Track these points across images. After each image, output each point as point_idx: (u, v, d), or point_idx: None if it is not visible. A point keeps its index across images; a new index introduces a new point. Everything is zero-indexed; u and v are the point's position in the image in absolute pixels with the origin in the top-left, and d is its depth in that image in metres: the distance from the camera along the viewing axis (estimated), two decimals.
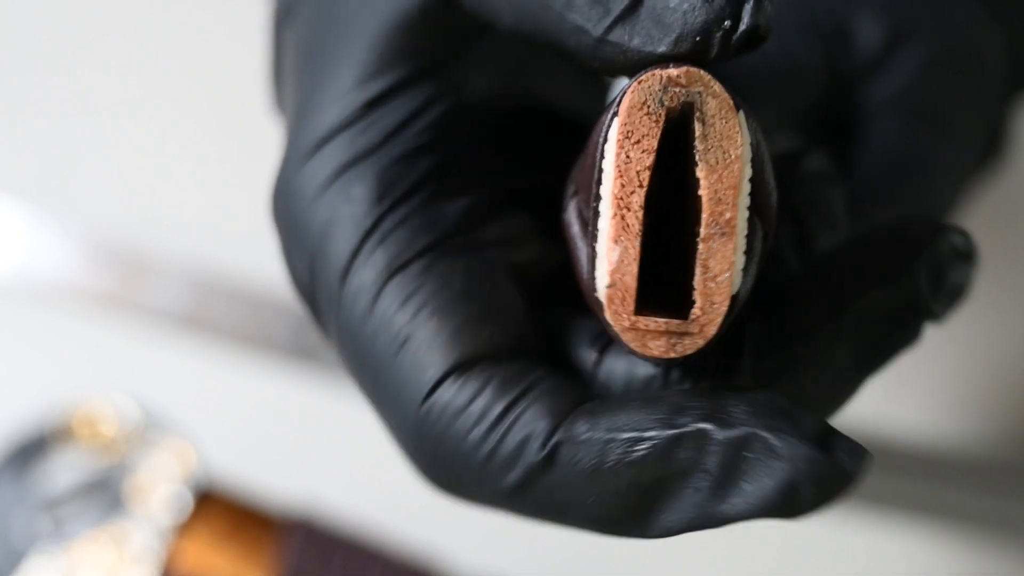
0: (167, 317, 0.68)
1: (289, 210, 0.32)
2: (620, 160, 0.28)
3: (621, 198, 0.28)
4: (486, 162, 0.32)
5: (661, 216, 0.29)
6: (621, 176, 0.28)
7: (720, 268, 0.28)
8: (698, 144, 0.28)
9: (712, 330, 0.28)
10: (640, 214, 0.28)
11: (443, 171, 0.31)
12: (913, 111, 0.35)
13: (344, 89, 0.31)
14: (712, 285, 0.28)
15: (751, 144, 0.28)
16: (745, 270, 0.29)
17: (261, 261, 0.69)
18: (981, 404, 0.67)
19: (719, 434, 0.27)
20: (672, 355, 0.28)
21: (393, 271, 0.30)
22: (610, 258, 0.28)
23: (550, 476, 0.28)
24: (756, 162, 0.28)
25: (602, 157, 0.28)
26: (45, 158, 0.71)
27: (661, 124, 0.28)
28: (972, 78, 0.35)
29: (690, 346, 0.28)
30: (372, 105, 0.31)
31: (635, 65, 0.28)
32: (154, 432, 0.53)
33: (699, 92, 0.27)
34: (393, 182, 0.31)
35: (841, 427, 0.30)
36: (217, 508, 0.51)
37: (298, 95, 0.33)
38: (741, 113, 0.28)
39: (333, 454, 0.66)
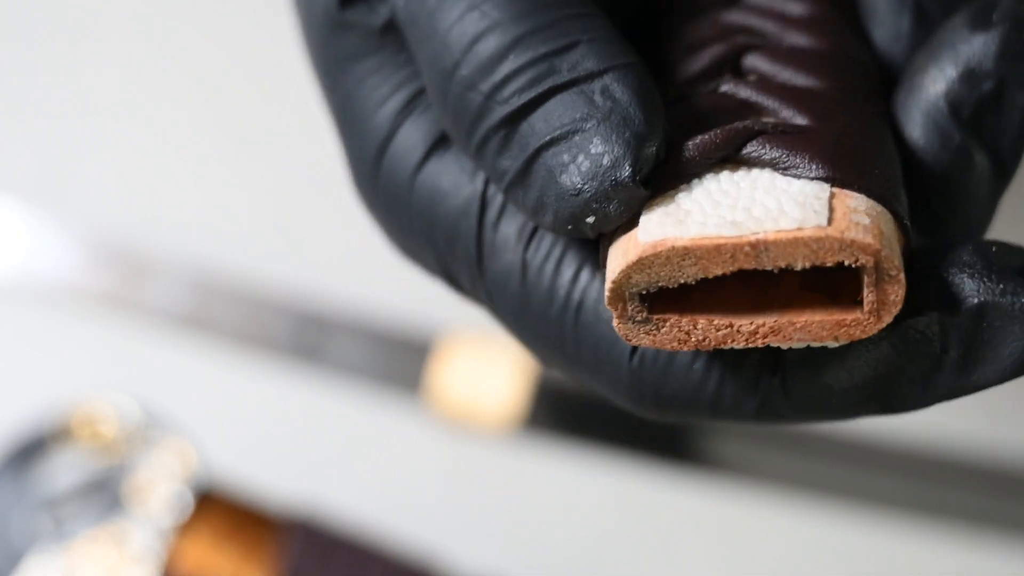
0: (167, 317, 0.68)
1: (396, 195, 0.32)
2: None
3: None
4: None
5: None
6: None
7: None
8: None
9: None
10: None
11: None
12: None
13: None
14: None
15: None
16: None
17: (261, 261, 0.69)
18: (981, 404, 0.67)
19: (955, 317, 0.27)
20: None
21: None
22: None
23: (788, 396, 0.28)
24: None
25: None
26: (45, 158, 0.71)
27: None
28: None
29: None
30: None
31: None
32: (154, 432, 0.53)
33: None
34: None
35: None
36: (217, 508, 0.51)
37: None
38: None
39: (333, 454, 0.66)
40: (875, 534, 0.65)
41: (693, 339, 0.27)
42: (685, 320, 0.27)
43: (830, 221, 0.26)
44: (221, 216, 0.70)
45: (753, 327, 0.27)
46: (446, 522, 0.65)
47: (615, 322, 0.27)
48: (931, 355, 0.28)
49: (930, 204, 0.29)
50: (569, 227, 0.27)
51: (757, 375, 0.28)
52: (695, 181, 0.27)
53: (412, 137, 0.31)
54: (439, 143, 0.30)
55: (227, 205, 0.70)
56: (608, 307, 0.27)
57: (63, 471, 0.52)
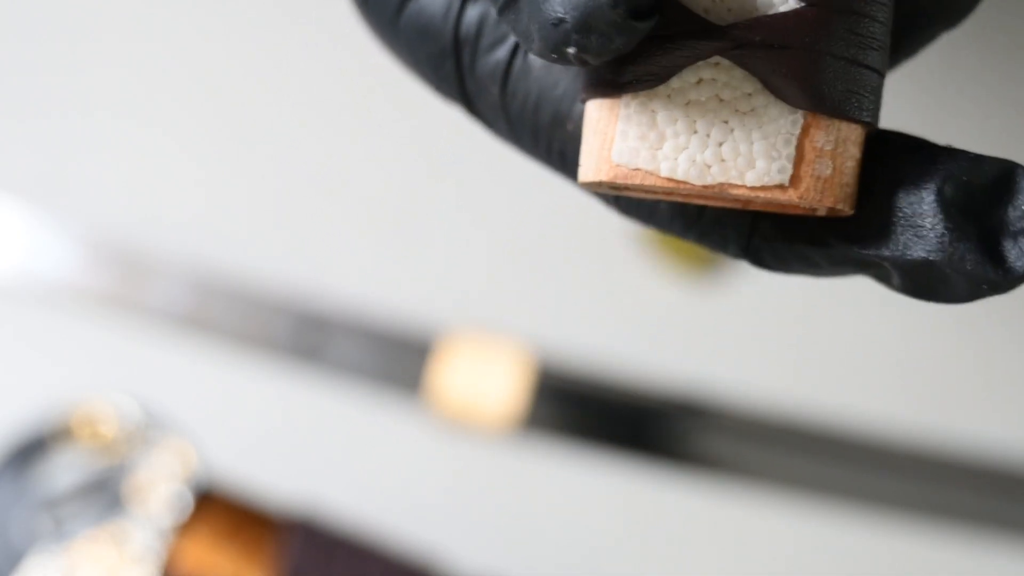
0: (167, 317, 0.68)
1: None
2: None
3: None
4: None
5: None
6: None
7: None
8: None
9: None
10: None
11: None
12: None
13: None
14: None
15: None
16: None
17: (261, 261, 0.69)
18: (981, 404, 0.67)
19: (903, 259, 0.28)
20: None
21: None
22: None
23: None
24: None
25: None
26: (45, 158, 0.71)
27: None
28: None
29: None
30: None
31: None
32: (154, 432, 0.53)
33: None
34: None
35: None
36: (217, 508, 0.51)
37: None
38: None
39: (334, 454, 0.66)
40: (875, 534, 0.65)
41: (654, 199, 0.30)
42: (648, 193, 0.29)
43: (792, 178, 0.28)
44: (221, 216, 0.70)
45: (702, 199, 0.29)
46: (446, 522, 0.65)
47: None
48: (878, 277, 0.29)
49: None
50: (553, 56, 0.27)
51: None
52: (678, 83, 0.28)
53: None
54: None
55: (228, 205, 0.70)
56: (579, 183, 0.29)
57: (63, 471, 0.52)
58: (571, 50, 0.27)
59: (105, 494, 0.51)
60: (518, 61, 0.31)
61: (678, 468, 0.66)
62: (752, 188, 0.28)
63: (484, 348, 0.67)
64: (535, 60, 0.30)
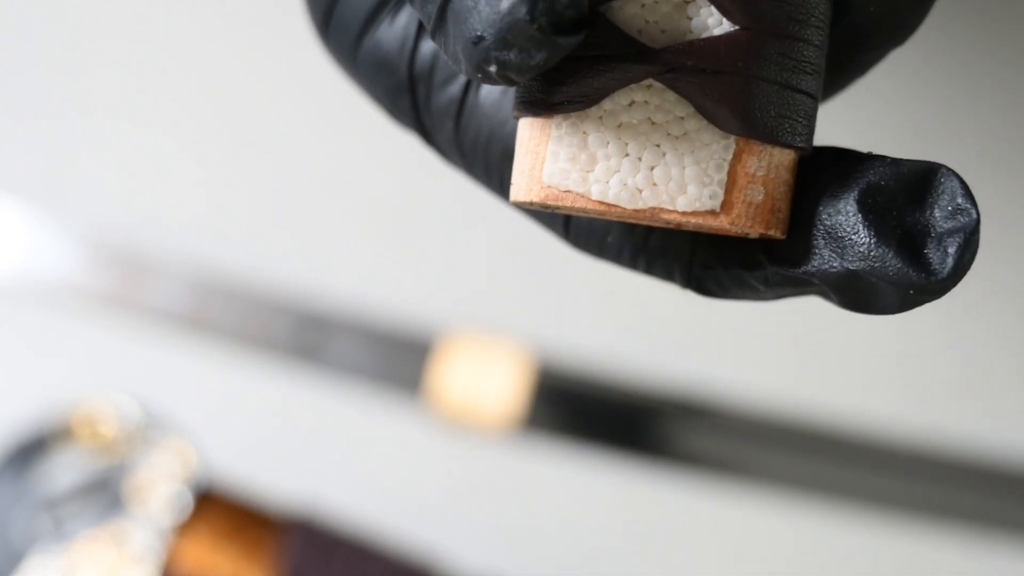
0: (167, 317, 0.68)
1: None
2: None
3: None
4: None
5: None
6: None
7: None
8: None
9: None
10: None
11: None
12: None
13: None
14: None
15: None
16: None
17: (261, 261, 0.69)
18: (981, 404, 0.67)
19: (830, 272, 0.27)
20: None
21: None
22: None
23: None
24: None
25: None
26: (45, 158, 0.71)
27: None
28: None
29: None
30: None
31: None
32: (154, 432, 0.53)
33: None
34: None
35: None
36: (217, 508, 0.51)
37: None
38: None
39: (334, 454, 0.66)
40: (875, 534, 0.65)
41: (581, 215, 0.29)
42: (578, 208, 0.28)
43: (724, 204, 0.27)
44: (221, 216, 0.70)
45: (634, 220, 0.28)
46: (446, 522, 0.65)
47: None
48: (820, 294, 0.29)
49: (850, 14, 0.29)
50: (479, 75, 0.27)
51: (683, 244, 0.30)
52: (610, 105, 0.28)
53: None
54: (382, 5, 0.31)
55: (228, 205, 0.70)
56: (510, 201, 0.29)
57: (63, 471, 0.52)
58: (492, 68, 0.26)
59: (105, 494, 0.51)
60: (470, 97, 0.31)
61: (678, 468, 0.66)
62: (683, 213, 0.27)
63: (484, 348, 0.67)
64: (486, 96, 0.31)
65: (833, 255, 0.27)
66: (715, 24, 0.27)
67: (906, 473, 0.66)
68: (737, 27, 0.27)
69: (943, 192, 0.27)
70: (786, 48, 0.27)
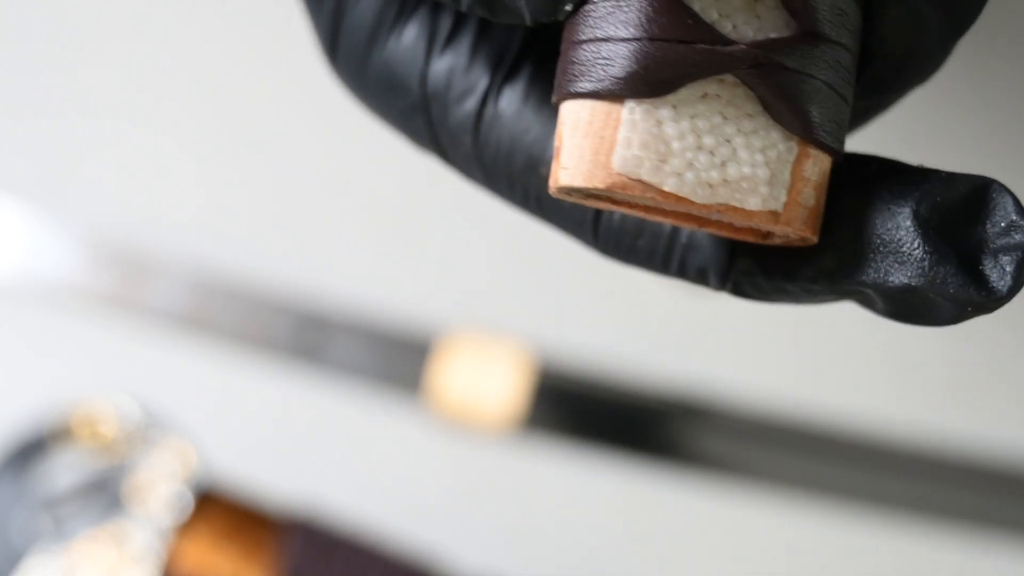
0: (167, 317, 0.68)
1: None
2: None
3: None
4: None
5: None
6: None
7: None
8: None
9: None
10: None
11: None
12: None
13: None
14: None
15: None
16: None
17: (261, 261, 0.69)
18: (981, 404, 0.67)
19: (885, 287, 0.27)
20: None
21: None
22: None
23: None
24: None
25: None
26: (45, 158, 0.71)
27: None
28: None
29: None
30: None
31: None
32: (154, 432, 0.53)
33: None
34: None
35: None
36: (217, 508, 0.51)
37: None
38: None
39: (333, 454, 0.66)
40: (875, 534, 0.65)
41: (619, 210, 0.28)
42: (645, 198, 0.28)
43: (784, 206, 0.27)
44: (221, 216, 0.70)
45: (682, 219, 0.28)
46: (446, 522, 0.65)
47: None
48: (862, 302, 0.29)
49: (876, 58, 0.29)
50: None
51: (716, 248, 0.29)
52: (685, 94, 0.27)
53: (366, 10, 0.31)
54: (397, 17, 0.31)
55: (227, 205, 0.70)
56: (553, 187, 0.27)
57: (63, 471, 0.52)
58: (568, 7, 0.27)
59: (105, 494, 0.51)
60: (488, 110, 0.30)
61: (678, 468, 0.66)
62: (750, 213, 0.27)
63: (484, 348, 0.67)
64: (505, 108, 0.30)
65: (892, 269, 0.27)
66: (783, 24, 0.27)
67: (906, 473, 0.66)
68: (804, 30, 0.27)
69: (996, 207, 0.27)
70: (839, 55, 0.27)
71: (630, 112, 0.27)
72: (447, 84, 0.31)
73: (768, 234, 0.28)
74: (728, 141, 0.27)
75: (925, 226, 0.27)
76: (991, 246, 0.27)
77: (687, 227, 0.28)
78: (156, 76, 0.72)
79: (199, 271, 0.68)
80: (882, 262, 0.27)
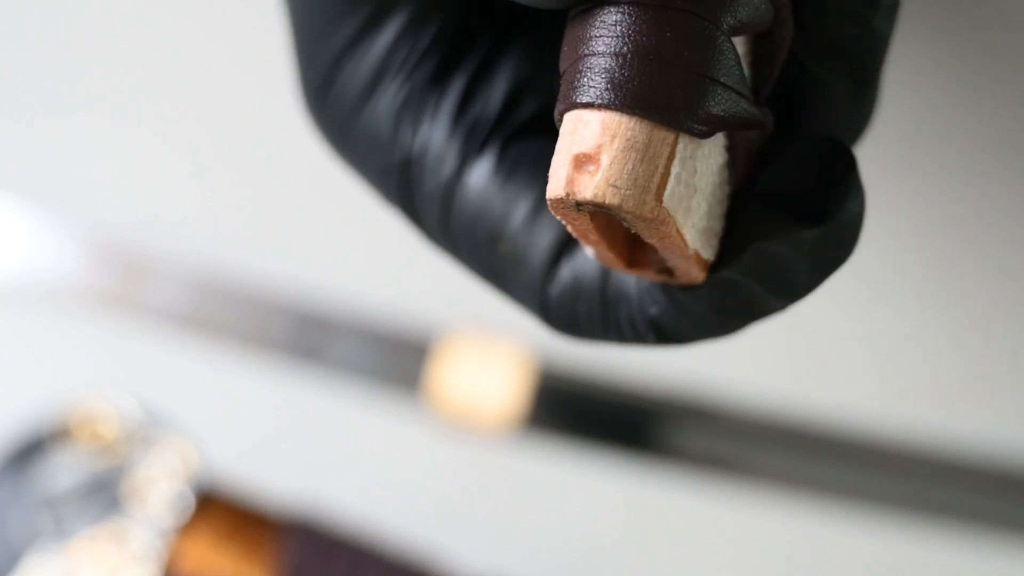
0: (167, 317, 0.68)
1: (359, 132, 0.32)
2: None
3: None
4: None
5: None
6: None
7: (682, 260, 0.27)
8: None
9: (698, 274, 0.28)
10: None
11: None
12: None
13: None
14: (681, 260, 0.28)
15: None
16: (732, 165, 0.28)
17: (261, 261, 0.69)
18: (981, 404, 0.67)
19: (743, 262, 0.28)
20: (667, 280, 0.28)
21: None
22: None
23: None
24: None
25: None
26: (45, 158, 0.71)
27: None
28: None
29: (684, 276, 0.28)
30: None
31: None
32: (154, 431, 0.53)
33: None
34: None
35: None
36: (218, 508, 0.51)
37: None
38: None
39: (333, 454, 0.66)
40: (875, 534, 0.65)
41: (590, 241, 0.28)
42: (668, 240, 0.27)
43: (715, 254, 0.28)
44: (221, 216, 0.70)
45: (608, 255, 0.28)
46: (446, 522, 0.65)
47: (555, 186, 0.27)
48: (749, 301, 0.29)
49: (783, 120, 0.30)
50: None
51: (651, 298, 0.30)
52: (709, 145, 0.27)
53: (360, 69, 0.32)
54: (392, 79, 0.31)
55: (227, 205, 0.70)
56: (579, 197, 0.26)
57: (63, 471, 0.52)
58: None
59: (105, 494, 0.51)
60: (461, 181, 0.31)
61: (678, 468, 0.66)
62: (704, 262, 0.27)
63: (484, 348, 0.67)
64: (475, 181, 0.31)
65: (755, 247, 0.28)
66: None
67: (906, 473, 0.66)
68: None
69: (811, 155, 0.28)
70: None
71: (684, 148, 0.26)
72: (428, 151, 0.31)
73: (672, 275, 0.28)
74: (713, 192, 0.27)
75: (768, 203, 0.28)
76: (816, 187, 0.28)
77: (617, 267, 0.28)
78: (156, 76, 0.72)
79: (199, 271, 0.68)
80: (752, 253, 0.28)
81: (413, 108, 0.31)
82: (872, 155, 0.75)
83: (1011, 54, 0.70)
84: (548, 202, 0.26)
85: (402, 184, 0.32)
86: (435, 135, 0.31)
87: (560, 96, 0.27)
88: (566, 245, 0.30)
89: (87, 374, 0.67)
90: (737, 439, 0.66)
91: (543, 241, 0.30)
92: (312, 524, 0.52)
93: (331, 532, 0.52)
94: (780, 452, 0.66)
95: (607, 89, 0.26)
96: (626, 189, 0.25)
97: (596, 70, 0.26)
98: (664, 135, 0.26)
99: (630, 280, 0.29)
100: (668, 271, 0.28)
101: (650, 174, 0.26)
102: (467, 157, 0.31)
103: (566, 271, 0.30)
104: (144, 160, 0.71)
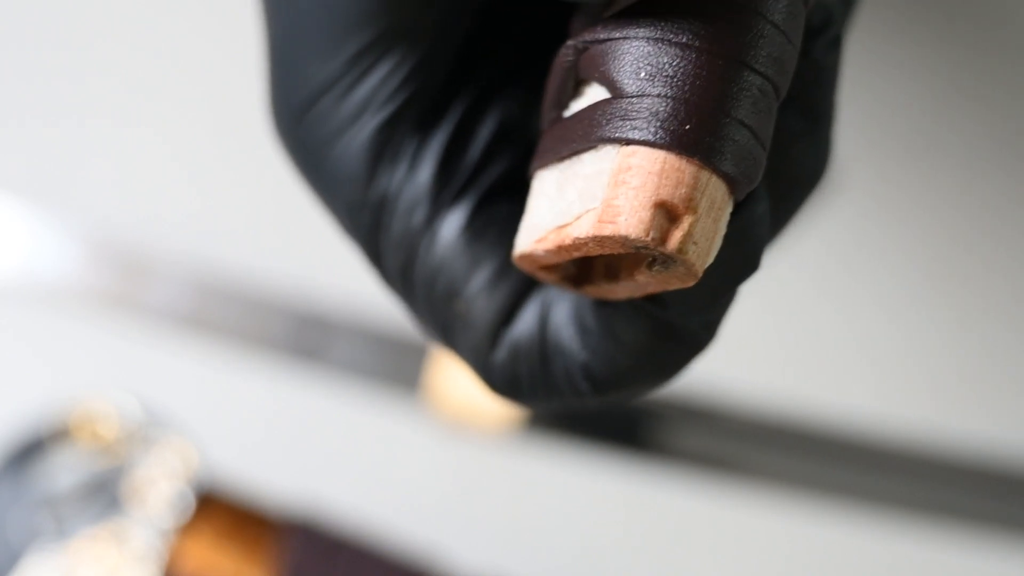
0: (167, 317, 0.68)
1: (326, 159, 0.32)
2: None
3: None
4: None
5: None
6: None
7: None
8: None
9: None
10: None
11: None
12: None
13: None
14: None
15: None
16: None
17: (261, 261, 0.69)
18: (981, 404, 0.67)
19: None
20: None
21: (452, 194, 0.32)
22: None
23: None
24: None
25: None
26: (45, 158, 0.71)
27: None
28: None
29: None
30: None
31: None
32: (155, 431, 0.53)
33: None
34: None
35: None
36: (218, 508, 0.51)
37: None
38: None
39: (333, 454, 0.66)
40: (875, 534, 0.65)
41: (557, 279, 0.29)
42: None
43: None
44: (221, 216, 0.70)
45: (582, 291, 0.29)
46: (446, 522, 0.65)
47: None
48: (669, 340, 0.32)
49: None
50: None
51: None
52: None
53: (343, 101, 0.31)
54: (364, 111, 0.31)
55: (227, 205, 0.70)
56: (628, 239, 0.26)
57: (63, 470, 0.52)
58: None
59: (105, 493, 0.51)
60: (430, 231, 0.31)
61: (678, 468, 0.66)
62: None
63: None
64: (445, 235, 0.31)
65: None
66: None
67: (906, 473, 0.66)
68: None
69: None
70: None
71: (734, 201, 0.26)
72: (401, 196, 0.31)
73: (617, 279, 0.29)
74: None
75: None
76: None
77: (566, 288, 0.29)
78: (156, 77, 0.72)
79: (199, 271, 0.69)
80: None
81: (392, 149, 0.31)
82: (871, 157, 0.75)
83: (1002, 58, 0.70)
84: (603, 238, 0.25)
85: (371, 223, 0.31)
86: (411, 181, 0.31)
87: (598, 125, 0.26)
88: (514, 311, 0.31)
89: (87, 374, 0.67)
90: (736, 439, 0.66)
91: (494, 306, 0.31)
92: (312, 524, 0.52)
93: (331, 532, 0.52)
94: (779, 452, 0.66)
95: (700, 142, 0.25)
96: (701, 246, 0.25)
97: (669, 113, 0.25)
98: (729, 198, 0.25)
99: (566, 333, 0.30)
100: (615, 278, 0.29)
101: (716, 233, 0.25)
102: (440, 208, 0.31)
103: (510, 336, 0.31)
104: (144, 160, 0.71)
